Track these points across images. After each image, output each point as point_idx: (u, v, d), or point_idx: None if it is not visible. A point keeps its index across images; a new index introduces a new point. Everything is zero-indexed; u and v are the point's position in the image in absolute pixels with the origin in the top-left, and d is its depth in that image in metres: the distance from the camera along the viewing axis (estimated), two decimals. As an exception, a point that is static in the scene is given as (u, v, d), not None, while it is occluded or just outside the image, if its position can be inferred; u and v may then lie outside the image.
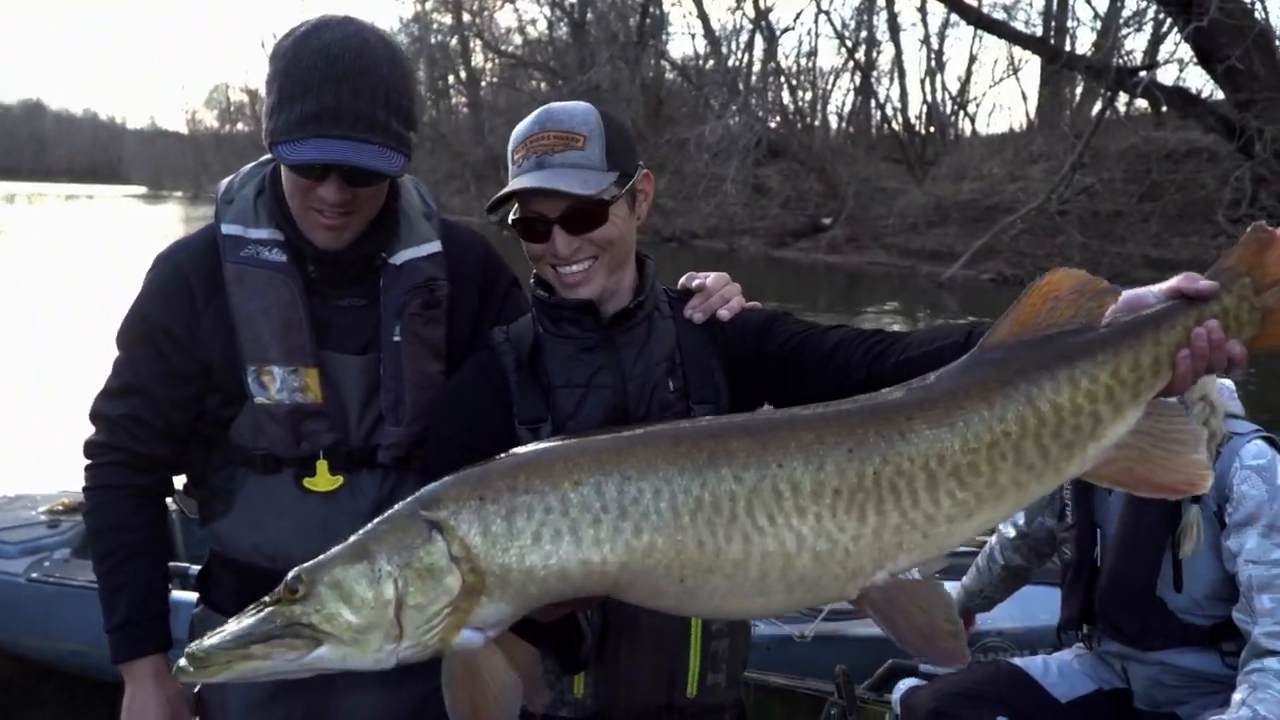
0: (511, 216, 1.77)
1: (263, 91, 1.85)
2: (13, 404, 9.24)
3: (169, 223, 42.76)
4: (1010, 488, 1.31)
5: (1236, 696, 2.40)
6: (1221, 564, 2.62)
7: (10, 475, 6.15)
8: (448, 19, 50.09)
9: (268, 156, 1.90)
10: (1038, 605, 3.79)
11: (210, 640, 1.27)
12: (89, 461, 1.98)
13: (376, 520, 1.32)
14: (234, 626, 1.28)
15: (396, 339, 1.89)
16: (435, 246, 1.98)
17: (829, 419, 1.31)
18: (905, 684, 3.13)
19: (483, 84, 51.84)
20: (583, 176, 1.69)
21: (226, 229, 1.87)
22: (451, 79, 54.45)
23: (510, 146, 1.77)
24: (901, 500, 1.27)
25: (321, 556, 1.30)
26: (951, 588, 3.73)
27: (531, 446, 1.37)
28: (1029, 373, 1.32)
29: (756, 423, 1.34)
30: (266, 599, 1.30)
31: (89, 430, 1.99)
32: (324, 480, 1.89)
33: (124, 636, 1.94)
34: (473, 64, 51.39)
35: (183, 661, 1.26)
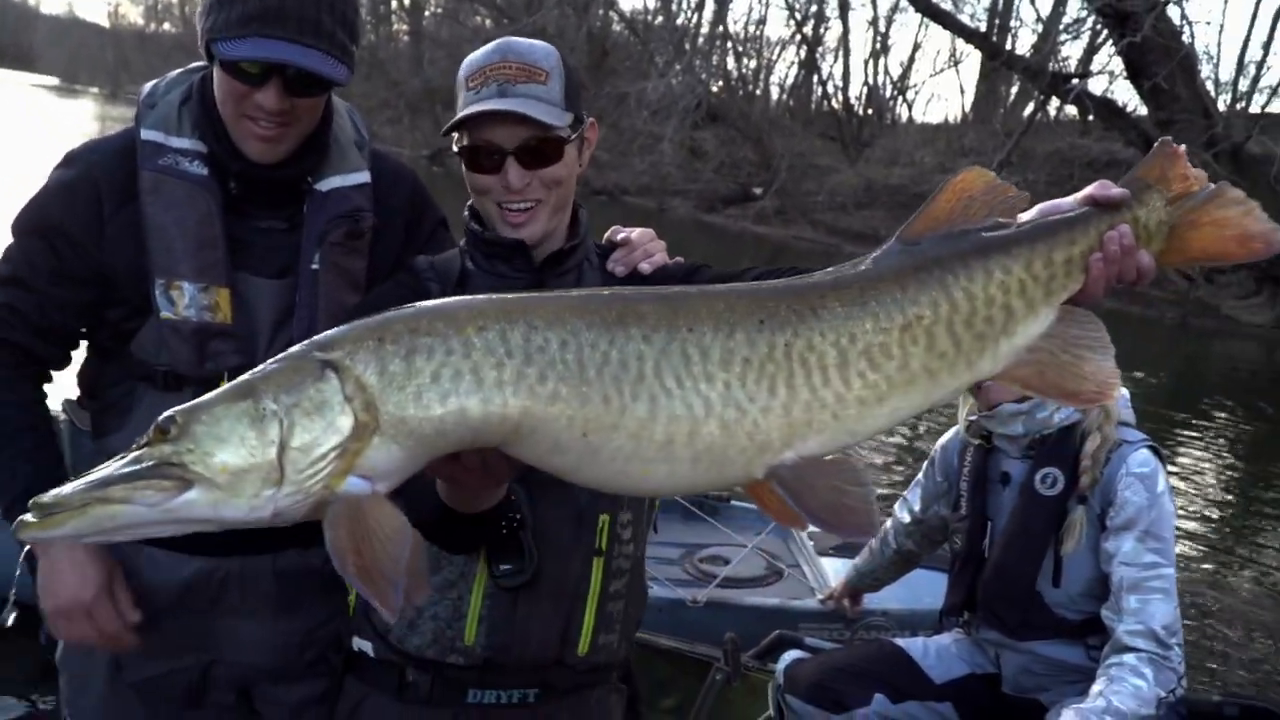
0: (459, 143, 1.73)
1: None
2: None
3: (81, 120, 40.72)
4: (921, 374, 1.31)
5: (1095, 688, 2.56)
6: (1098, 564, 2.76)
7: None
8: (395, -60, 48.42)
9: (197, 64, 1.84)
10: (923, 589, 3.94)
11: (64, 487, 1.16)
12: None
13: (267, 361, 1.24)
14: (92, 473, 1.17)
15: (315, 267, 1.87)
16: (364, 176, 1.95)
17: (743, 292, 1.31)
18: (790, 655, 3.23)
19: (426, 13, 50.38)
20: (546, 109, 1.69)
21: (146, 134, 1.82)
22: (394, 4, 52.81)
23: (464, 73, 1.73)
24: (812, 376, 1.26)
25: (203, 396, 1.21)
26: (845, 567, 3.86)
27: (436, 299, 1.32)
28: (944, 261, 1.33)
29: (669, 291, 1.32)
30: (133, 444, 1.20)
31: None
32: None
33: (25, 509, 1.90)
34: (417, -9, 49.86)
35: (27, 515, 1.15)
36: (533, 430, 1.23)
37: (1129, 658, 2.56)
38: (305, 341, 1.26)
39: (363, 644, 1.90)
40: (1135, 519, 2.68)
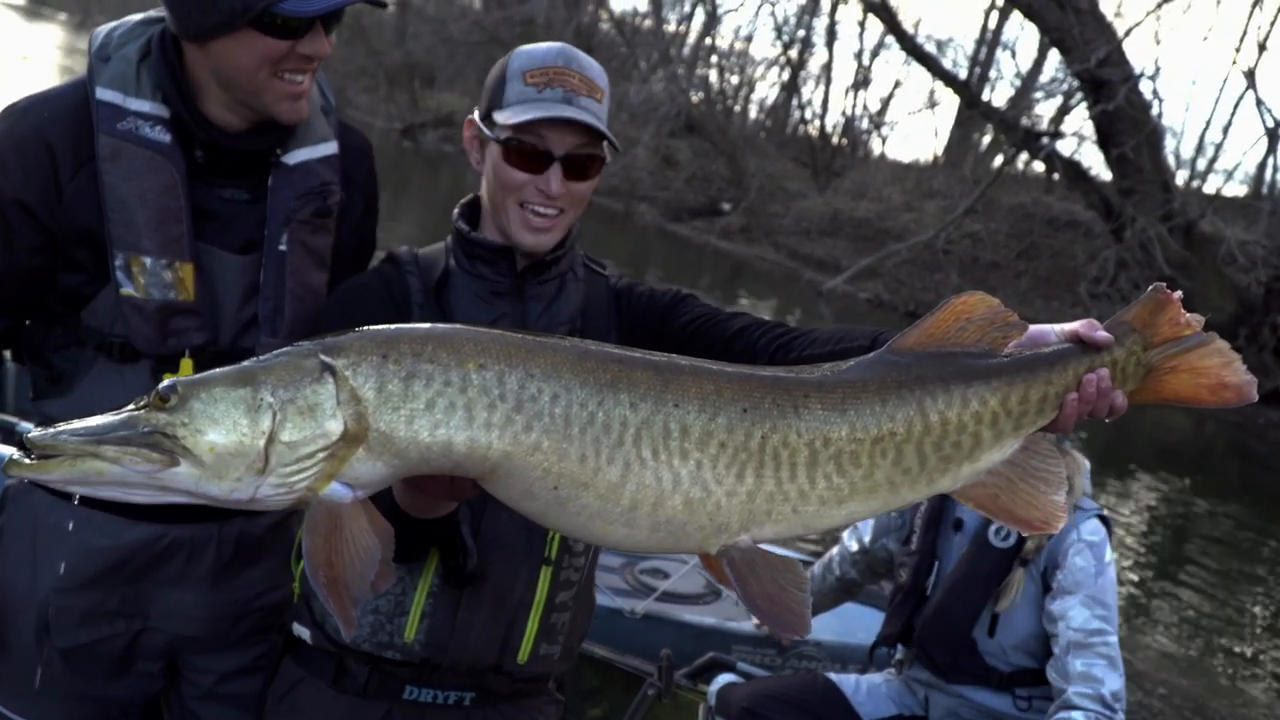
0: (501, 135, 1.72)
1: None
2: None
3: (48, 47, 39.57)
4: (884, 485, 1.36)
5: None
6: (1035, 620, 2.84)
7: None
8: (392, -92, 47.76)
9: (155, 14, 1.74)
10: (857, 623, 4.00)
11: (59, 427, 1.20)
12: None
13: (273, 353, 1.28)
14: (89, 421, 1.21)
15: (282, 247, 1.82)
16: (331, 148, 1.89)
17: (733, 376, 1.35)
18: (723, 678, 3.26)
19: (414, -15, 49.76)
20: (604, 128, 1.72)
21: (102, 94, 1.72)
22: (382, -29, 52.05)
23: (519, 65, 1.72)
24: (781, 470, 1.31)
25: (205, 373, 1.26)
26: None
27: (446, 324, 1.36)
28: (926, 382, 1.38)
29: (664, 361, 1.36)
30: (133, 403, 1.24)
31: None
32: None
33: None
34: (408, -38, 49.25)
35: (17, 454, 1.19)
36: (509, 474, 1.27)
37: (1076, 715, 2.63)
38: (315, 339, 1.29)
39: (301, 630, 1.88)
40: (1082, 584, 2.75)
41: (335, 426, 1.22)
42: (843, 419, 1.33)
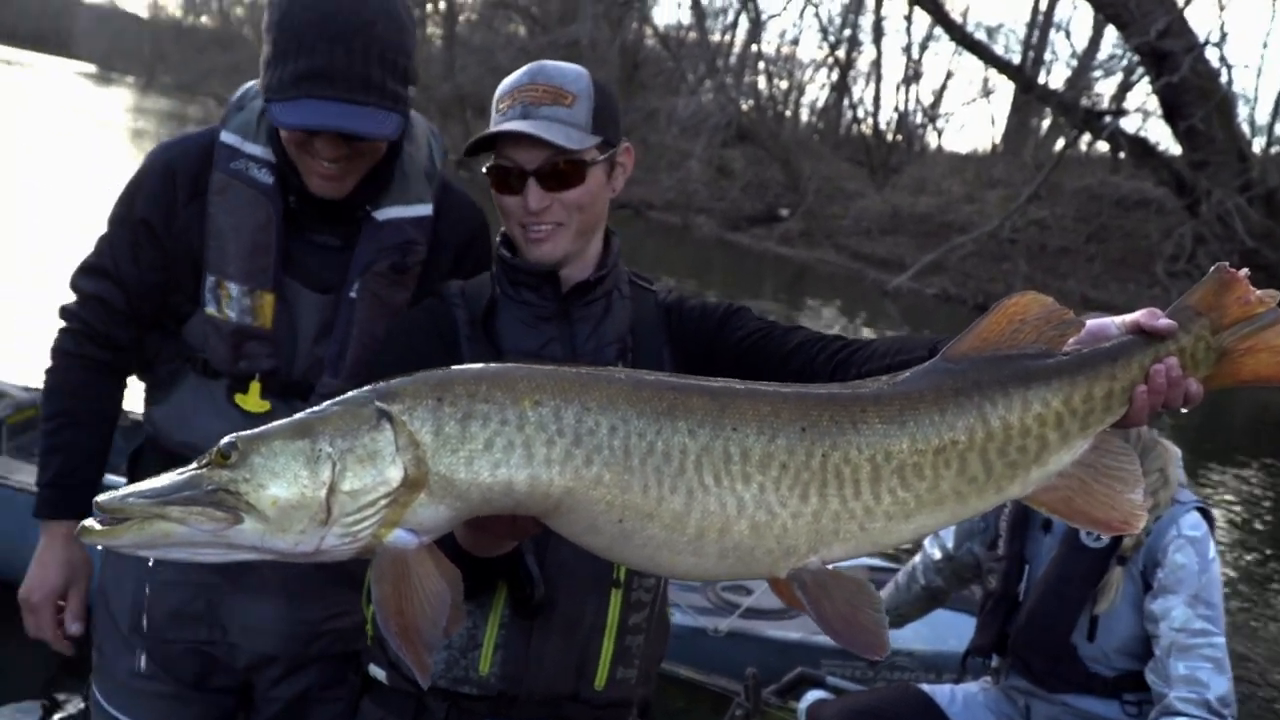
0: (487, 165, 1.75)
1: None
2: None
3: (116, 110, 41.15)
4: (950, 496, 1.34)
5: None
6: (1137, 622, 2.71)
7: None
8: (434, -55, 48.76)
9: None
10: (948, 630, 3.88)
11: (125, 490, 1.22)
12: (60, 325, 2.02)
13: (329, 402, 1.30)
14: (153, 483, 1.23)
15: (353, 294, 1.89)
16: (425, 209, 1.97)
17: (789, 397, 1.33)
18: (812, 695, 3.19)
19: (461, 19, 50.72)
20: (566, 132, 1.68)
21: (225, 137, 1.90)
22: (429, 8, 53.20)
23: (496, 96, 1.75)
24: (844, 488, 1.29)
25: (263, 427, 1.27)
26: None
27: (498, 364, 1.36)
28: (984, 387, 1.35)
29: (719, 386, 1.34)
30: (195, 462, 1.26)
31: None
32: (253, 401, 1.91)
33: (48, 495, 2.00)
34: (453, -4, 50.19)
35: (88, 521, 1.21)
36: (572, 509, 1.27)
37: None
38: (369, 387, 1.29)
39: (377, 671, 1.88)
40: (1185, 582, 2.63)
41: (395, 473, 1.22)
42: (902, 431, 1.31)
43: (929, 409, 1.33)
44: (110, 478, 2.17)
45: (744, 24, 36.81)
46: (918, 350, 1.57)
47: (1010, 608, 2.94)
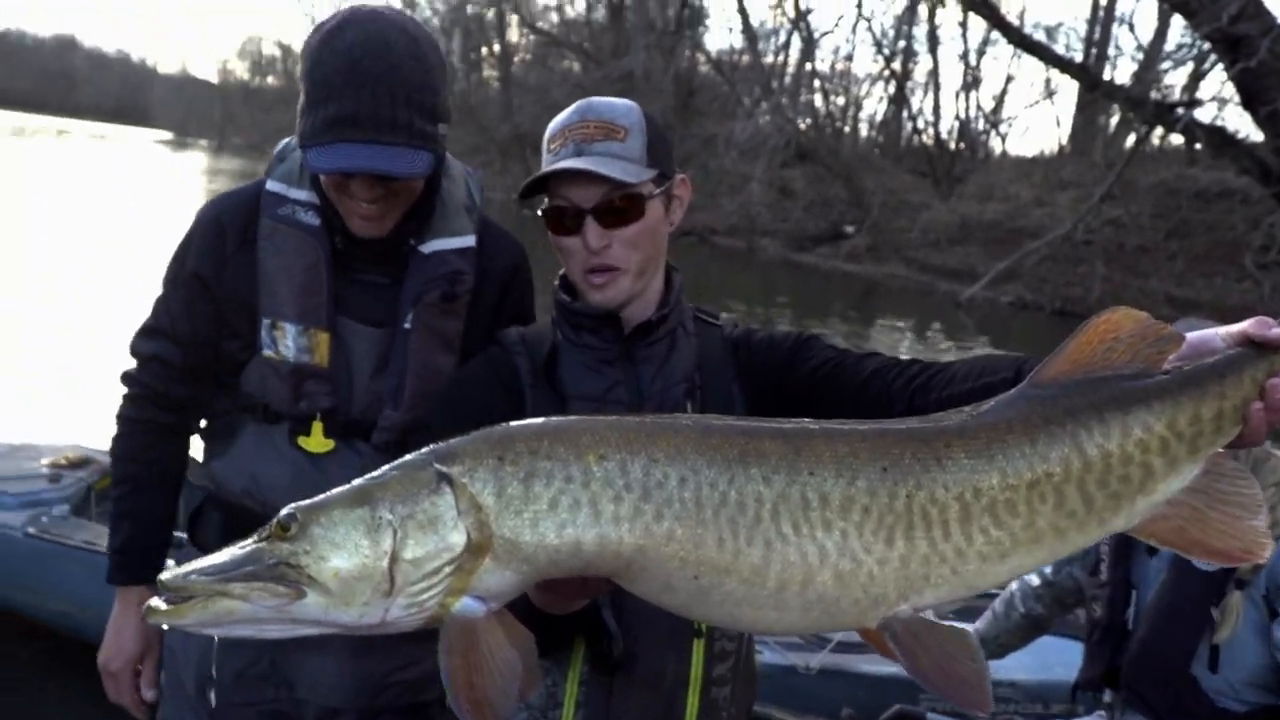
0: (542, 208, 1.71)
1: (296, 47, 1.88)
2: (23, 348, 9.16)
3: (192, 172, 42.75)
4: (1049, 533, 1.25)
5: None
6: (1266, 651, 2.52)
7: (16, 423, 6.08)
8: (486, -9, 49.86)
9: None
10: (1054, 657, 3.70)
11: (187, 568, 1.20)
12: (123, 391, 2.05)
13: (387, 466, 1.26)
14: (215, 558, 1.21)
15: (407, 325, 1.91)
16: (469, 240, 1.98)
17: (867, 435, 1.26)
18: (912, 732, 3.04)
19: (515, 60, 51.64)
20: (621, 166, 1.64)
21: (271, 185, 1.93)
22: (485, 51, 54.27)
23: (546, 136, 1.71)
24: (933, 530, 1.22)
25: (321, 496, 1.24)
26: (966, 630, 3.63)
27: (559, 417, 1.32)
28: (1078, 414, 1.25)
29: (791, 428, 1.28)
30: (255, 535, 1.23)
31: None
32: (317, 441, 1.93)
33: (120, 561, 2.03)
34: (507, 38, 51.19)
35: (154, 601, 1.20)
36: (644, 568, 1.21)
37: None
38: (428, 448, 1.25)
39: None
40: None
41: (458, 538, 1.18)
42: (991, 466, 1.23)
43: (1019, 440, 1.24)
44: (179, 535, 2.19)
45: (796, 43, 36.78)
46: (1001, 372, 1.48)
47: (1119, 637, 2.76)
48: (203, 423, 2.10)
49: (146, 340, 2.01)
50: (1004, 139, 40.23)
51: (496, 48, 52.03)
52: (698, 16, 39.46)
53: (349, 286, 1.93)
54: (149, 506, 2.03)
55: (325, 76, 1.74)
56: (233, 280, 1.93)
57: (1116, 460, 1.24)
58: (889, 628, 1.22)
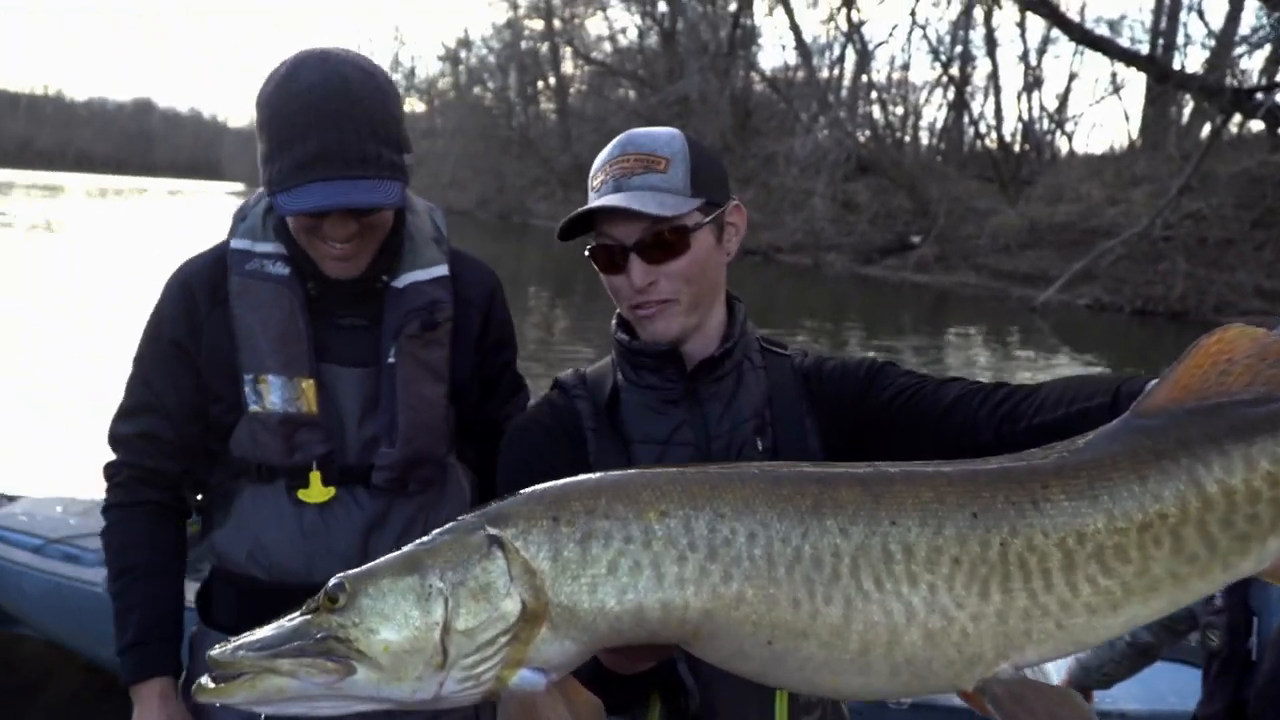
0: (588, 247, 1.64)
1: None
2: (102, 406, 9.40)
3: (263, 220, 43.83)
4: (1166, 580, 1.14)
5: None
6: None
7: (96, 479, 6.20)
8: (539, 25, 50.70)
9: None
10: (1165, 686, 3.47)
11: (235, 644, 1.16)
12: (107, 483, 1.96)
13: (437, 530, 1.19)
14: (264, 632, 1.17)
15: (391, 360, 1.89)
16: (442, 270, 1.96)
17: (953, 477, 1.16)
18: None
19: (571, 91, 52.26)
20: (660, 199, 1.55)
21: (236, 243, 1.91)
22: (540, 85, 55.05)
23: (590, 174, 1.64)
24: (1032, 580, 1.12)
25: (371, 564, 1.19)
26: (1069, 661, 3.44)
27: (616, 471, 1.23)
28: (1194, 446, 1.14)
29: (869, 473, 1.18)
30: (304, 606, 1.18)
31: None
32: (317, 491, 1.87)
33: (133, 658, 1.89)
34: (562, 71, 51.91)
35: (203, 679, 1.16)
36: (713, 634, 1.13)
37: None
38: (479, 510, 1.19)
39: None
40: None
41: (512, 606, 1.10)
42: (1095, 508, 1.12)
43: (1126, 478, 1.13)
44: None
45: (851, 56, 36.55)
46: (1097, 396, 1.36)
47: (1242, 668, 2.55)
48: (199, 498, 2.02)
49: (129, 421, 1.93)
50: (1070, 138, 39.34)
51: (552, 80, 52.76)
52: (750, 36, 39.51)
53: (328, 332, 1.89)
54: (158, 595, 1.91)
55: (288, 120, 1.71)
56: (210, 342, 1.88)
57: (1241, 497, 1.12)
58: (988, 690, 1.12)
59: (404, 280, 1.91)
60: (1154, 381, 1.23)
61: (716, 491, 1.13)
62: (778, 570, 1.11)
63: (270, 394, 1.85)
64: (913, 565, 1.11)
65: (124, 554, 1.91)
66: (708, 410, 1.64)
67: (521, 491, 1.18)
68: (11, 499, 4.47)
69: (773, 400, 1.66)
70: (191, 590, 2.05)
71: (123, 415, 1.94)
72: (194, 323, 1.89)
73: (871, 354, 1.78)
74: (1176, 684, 3.37)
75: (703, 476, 1.16)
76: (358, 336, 1.91)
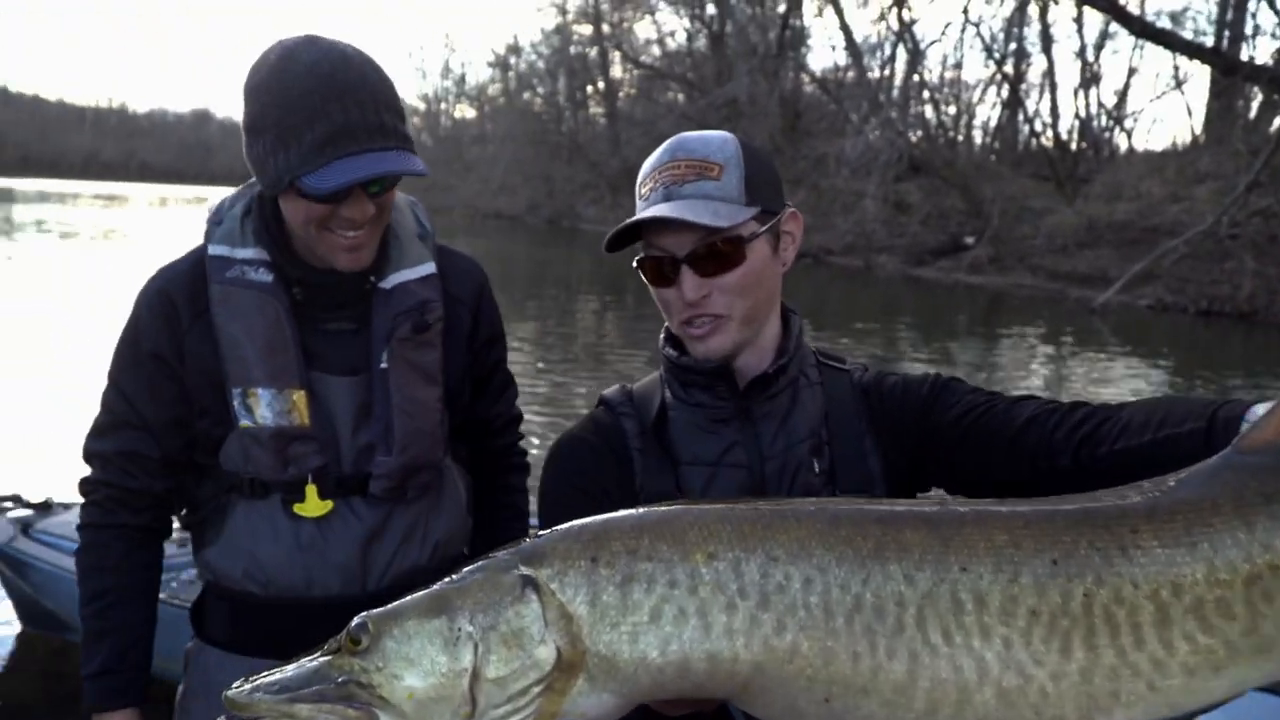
0: (637, 258, 1.55)
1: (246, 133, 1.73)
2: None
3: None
4: (1278, 640, 1.02)
5: None
6: None
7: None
8: (588, 30, 50.90)
9: (252, 181, 1.84)
10: (1266, 715, 3.29)
11: (252, 684, 1.11)
12: (82, 500, 1.88)
13: (468, 568, 1.13)
14: (282, 673, 1.13)
15: (383, 365, 1.82)
16: (429, 268, 1.89)
17: (1030, 519, 1.05)
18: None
19: (620, 95, 52.34)
20: (714, 208, 1.46)
21: (214, 250, 1.82)
22: (589, 90, 55.22)
23: (638, 180, 1.55)
24: (1121, 636, 1.02)
25: (397, 603, 1.12)
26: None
27: (662, 506, 1.15)
28: None
29: (936, 513, 1.08)
30: (326, 645, 1.12)
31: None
32: (313, 505, 1.80)
33: (99, 686, 1.82)
34: (611, 75, 52.02)
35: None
36: (764, 689, 1.05)
37: None
38: (511, 548, 1.11)
39: None
40: None
41: (546, 654, 1.03)
42: (1194, 556, 1.02)
43: (1229, 523, 1.02)
44: None
45: (902, 56, 36.07)
46: (1189, 421, 1.24)
47: None
48: (184, 514, 1.94)
49: (106, 439, 1.84)
50: (1129, 135, 38.45)
51: (601, 85, 52.88)
52: (799, 37, 39.21)
53: (315, 339, 1.82)
54: (131, 622, 1.83)
55: (296, 102, 1.63)
56: (194, 356, 1.80)
57: None
58: None
59: (392, 280, 1.84)
60: (1259, 408, 1.12)
61: (769, 531, 1.05)
62: (836, 620, 1.03)
63: (260, 408, 1.77)
64: (985, 616, 1.02)
65: (96, 578, 1.84)
66: (761, 430, 1.54)
67: (558, 528, 1.11)
68: (67, 507, 4.51)
69: (830, 418, 1.56)
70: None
71: (100, 432, 1.85)
72: (175, 334, 1.81)
73: (934, 370, 1.65)
74: (1272, 713, 3.18)
75: (754, 514, 1.08)
76: (346, 341, 1.84)
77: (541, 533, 1.13)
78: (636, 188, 1.55)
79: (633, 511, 1.12)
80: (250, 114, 1.68)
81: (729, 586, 1.03)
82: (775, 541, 1.04)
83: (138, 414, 1.82)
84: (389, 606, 1.10)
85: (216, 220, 1.85)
